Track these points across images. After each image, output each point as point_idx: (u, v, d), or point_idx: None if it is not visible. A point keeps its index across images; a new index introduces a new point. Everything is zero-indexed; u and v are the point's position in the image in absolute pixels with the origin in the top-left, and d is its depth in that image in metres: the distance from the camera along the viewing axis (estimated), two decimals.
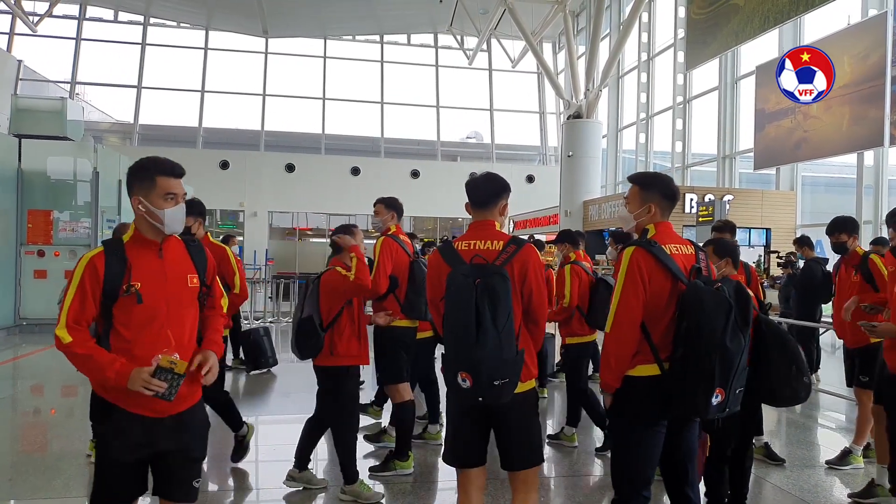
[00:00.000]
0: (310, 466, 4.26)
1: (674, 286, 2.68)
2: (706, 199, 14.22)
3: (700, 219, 13.30)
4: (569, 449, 5.19)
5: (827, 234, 4.87)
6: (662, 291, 2.67)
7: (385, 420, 5.55)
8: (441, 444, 4.74)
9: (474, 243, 2.82)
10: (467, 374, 2.61)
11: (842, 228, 4.79)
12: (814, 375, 7.71)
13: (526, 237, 3.00)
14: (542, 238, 19.76)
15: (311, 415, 4.22)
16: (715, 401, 2.59)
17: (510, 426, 2.84)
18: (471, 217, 2.95)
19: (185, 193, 2.45)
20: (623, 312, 2.67)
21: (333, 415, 4.11)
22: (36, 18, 22.00)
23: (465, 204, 2.93)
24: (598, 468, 4.86)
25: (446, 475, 4.31)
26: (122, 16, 24.99)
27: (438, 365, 3.38)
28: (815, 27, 13.39)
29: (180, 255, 2.43)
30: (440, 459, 4.18)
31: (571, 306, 5.02)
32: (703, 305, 2.59)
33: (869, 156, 12.28)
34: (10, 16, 22.30)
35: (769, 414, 5.76)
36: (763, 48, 14.65)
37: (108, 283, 2.26)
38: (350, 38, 26.19)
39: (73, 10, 24.07)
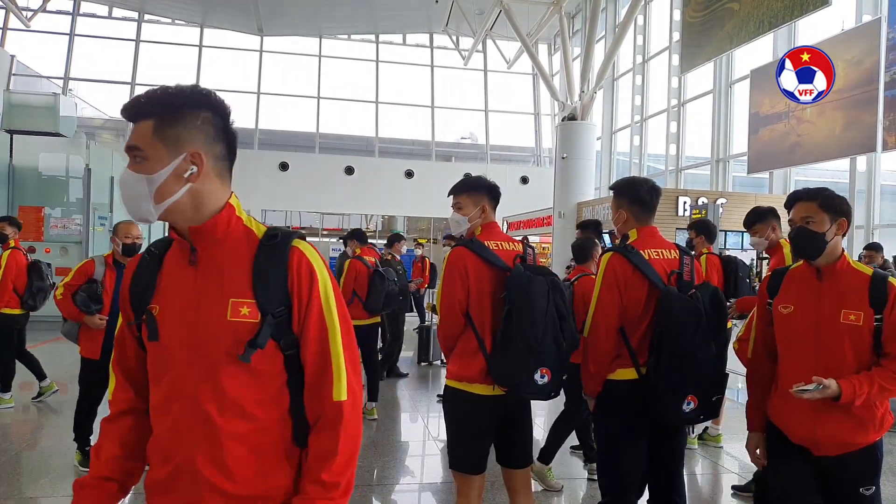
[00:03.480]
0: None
1: (651, 291, 2.69)
2: (699, 203, 14.26)
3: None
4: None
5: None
6: (639, 297, 2.68)
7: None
8: (375, 420, 5.90)
9: (501, 244, 2.84)
10: (547, 370, 2.62)
11: (691, 225, 5.30)
12: None
13: (519, 238, 2.99)
14: (537, 238, 19.83)
15: (560, 414, 4.49)
16: (687, 408, 2.60)
17: (524, 424, 2.86)
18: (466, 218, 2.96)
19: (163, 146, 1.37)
20: (599, 318, 2.69)
21: (576, 405, 4.39)
22: (29, 13, 21.88)
23: (483, 205, 2.93)
24: (584, 472, 4.86)
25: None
26: (117, 12, 24.86)
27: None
28: (809, 32, 13.45)
29: (236, 260, 1.40)
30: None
31: (345, 297, 5.70)
32: (672, 312, 2.59)
33: (861, 161, 12.33)
34: (4, 10, 22.15)
35: None
36: (758, 52, 14.70)
37: (133, 301, 1.47)
38: (345, 37, 26.13)
39: (67, 5, 23.93)
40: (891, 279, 2.33)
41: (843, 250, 2.42)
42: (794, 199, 2.47)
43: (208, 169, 1.41)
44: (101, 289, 4.42)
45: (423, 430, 6.10)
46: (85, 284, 4.40)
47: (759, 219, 4.52)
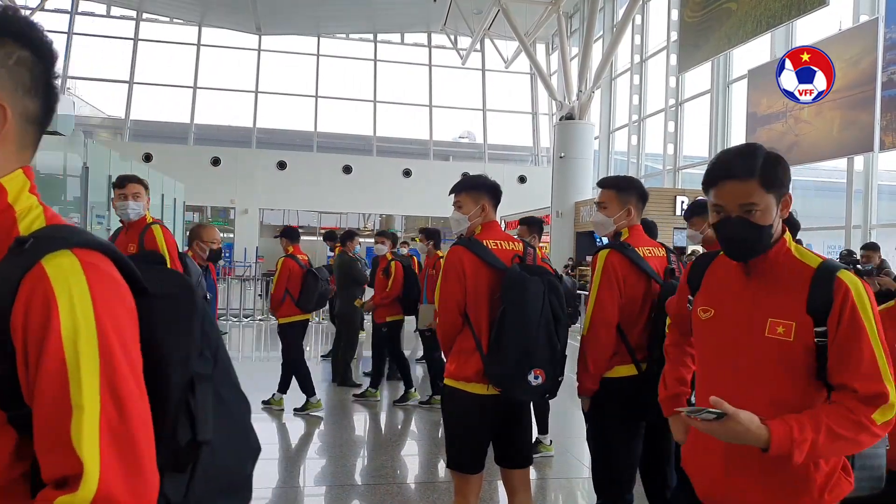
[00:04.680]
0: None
1: (648, 288, 2.71)
2: (697, 202, 14.27)
3: None
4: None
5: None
6: (637, 293, 2.70)
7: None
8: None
9: (500, 243, 2.84)
10: (541, 371, 2.62)
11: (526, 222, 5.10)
12: None
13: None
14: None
15: None
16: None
17: (523, 424, 2.86)
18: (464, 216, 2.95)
19: None
20: (599, 315, 2.68)
21: None
22: (28, 12, 21.85)
23: (483, 204, 2.91)
24: (585, 471, 4.87)
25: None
26: (115, 10, 24.83)
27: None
28: (807, 32, 13.46)
29: None
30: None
31: (279, 295, 6.08)
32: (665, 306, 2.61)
33: (859, 161, 12.35)
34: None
35: None
36: (755, 52, 14.71)
37: None
38: (343, 36, 26.13)
39: (66, 3, 23.91)
40: (840, 274, 1.57)
41: (783, 230, 1.69)
42: (719, 177, 1.63)
43: (8, 130, 0.94)
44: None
45: (420, 429, 6.11)
46: None
47: (698, 212, 4.47)
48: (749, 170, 1.59)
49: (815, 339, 1.55)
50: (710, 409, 1.46)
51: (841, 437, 1.48)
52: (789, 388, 1.58)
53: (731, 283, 1.71)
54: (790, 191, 1.67)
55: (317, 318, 12.36)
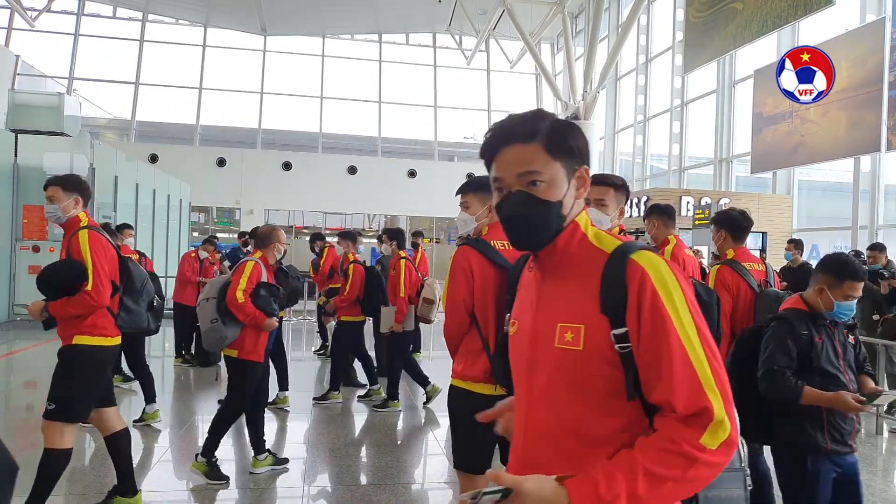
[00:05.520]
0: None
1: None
2: (702, 203, 14.24)
3: (696, 222, 13.31)
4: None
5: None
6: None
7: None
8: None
9: (507, 244, 2.84)
10: None
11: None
12: None
13: None
14: None
15: None
16: None
17: None
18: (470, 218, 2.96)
19: None
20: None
21: None
22: (34, 13, 21.95)
23: (490, 204, 2.92)
24: None
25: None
26: (121, 12, 24.91)
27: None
28: (813, 31, 13.42)
29: None
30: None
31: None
32: None
33: (866, 161, 12.30)
34: (9, 10, 22.22)
35: None
36: (761, 52, 14.68)
37: None
38: (348, 37, 26.16)
39: (72, 5, 23.99)
40: (635, 255, 1.21)
41: (581, 211, 1.34)
42: (498, 144, 1.31)
43: None
44: (281, 292, 4.40)
45: (426, 429, 6.11)
46: (263, 287, 4.29)
47: (650, 212, 4.18)
48: (530, 132, 1.28)
49: (617, 346, 1.17)
50: (489, 489, 1.14)
51: (666, 478, 1.10)
52: (594, 418, 1.19)
53: (531, 287, 1.36)
54: (588, 165, 1.34)
55: (310, 318, 12.38)
